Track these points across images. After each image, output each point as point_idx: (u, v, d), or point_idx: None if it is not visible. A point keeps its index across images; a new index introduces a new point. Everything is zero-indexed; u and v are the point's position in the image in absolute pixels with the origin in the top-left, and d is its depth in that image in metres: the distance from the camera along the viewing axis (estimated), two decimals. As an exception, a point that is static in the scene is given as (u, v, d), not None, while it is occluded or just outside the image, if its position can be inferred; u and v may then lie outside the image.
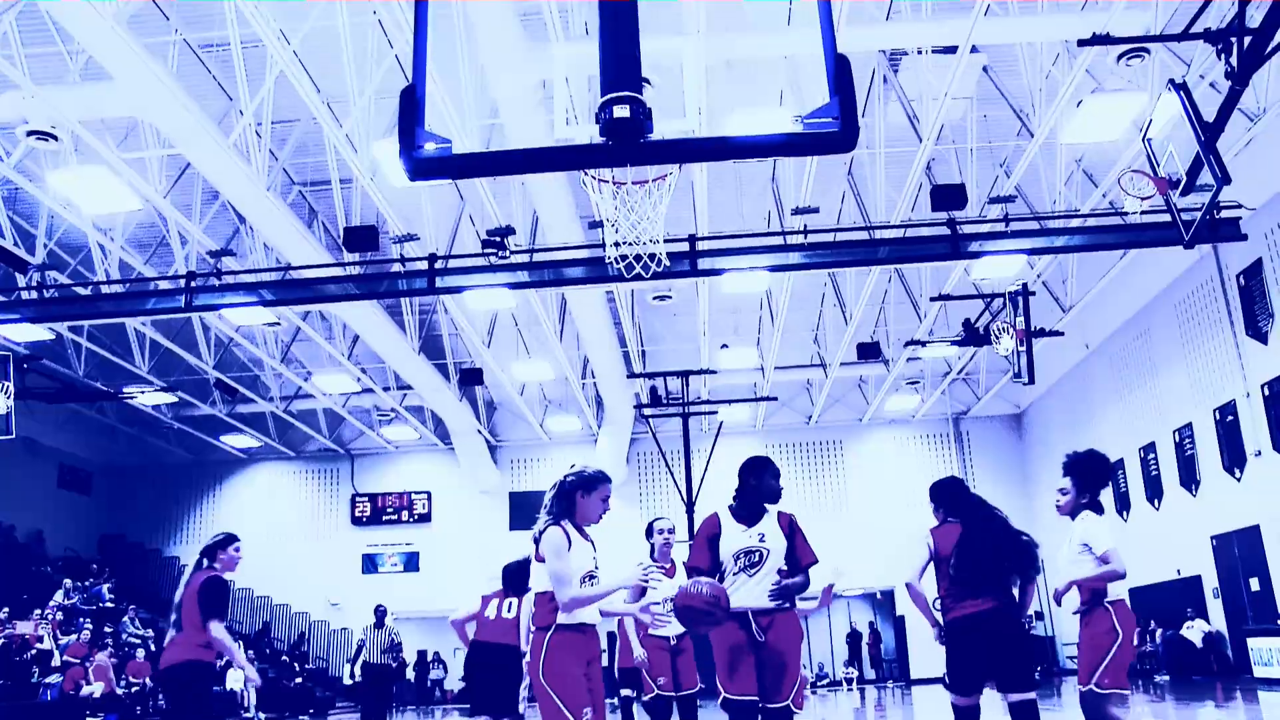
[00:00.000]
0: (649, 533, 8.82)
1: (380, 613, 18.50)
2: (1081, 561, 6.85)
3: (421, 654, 35.82)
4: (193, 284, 20.43)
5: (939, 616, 7.17)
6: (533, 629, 5.79)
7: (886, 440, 36.87)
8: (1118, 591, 6.81)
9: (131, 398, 28.15)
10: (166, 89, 14.97)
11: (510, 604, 9.14)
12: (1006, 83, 19.38)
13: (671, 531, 8.72)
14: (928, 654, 33.20)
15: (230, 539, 8.44)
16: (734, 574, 6.36)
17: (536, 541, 5.80)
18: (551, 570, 5.63)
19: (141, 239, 23.35)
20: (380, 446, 37.32)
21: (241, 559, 8.45)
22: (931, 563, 7.13)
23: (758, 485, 6.59)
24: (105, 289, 21.77)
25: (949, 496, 7.44)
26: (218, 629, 7.96)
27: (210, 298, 20.68)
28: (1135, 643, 6.86)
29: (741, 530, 6.47)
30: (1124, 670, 6.70)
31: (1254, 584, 23.09)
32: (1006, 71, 19.20)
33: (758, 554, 6.38)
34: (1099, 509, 7.06)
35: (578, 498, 5.88)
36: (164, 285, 21.31)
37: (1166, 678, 24.93)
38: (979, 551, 6.87)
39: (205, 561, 8.23)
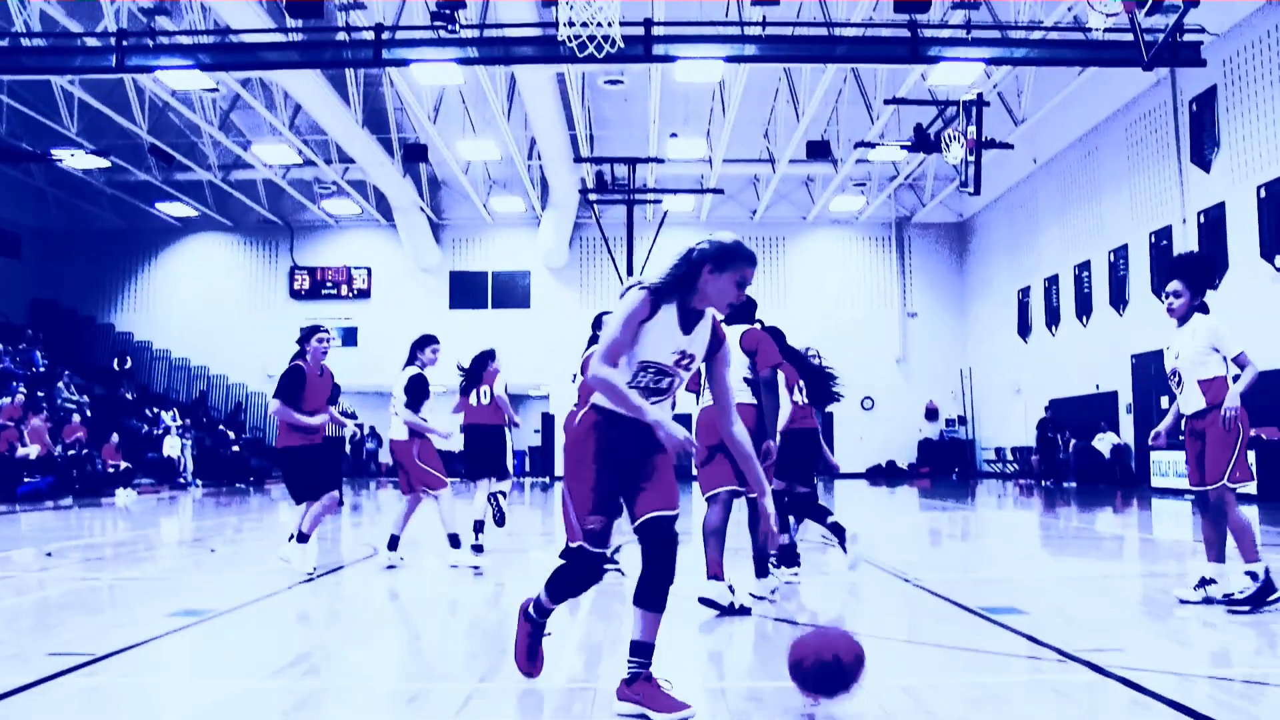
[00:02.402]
0: (598, 324, 8.85)
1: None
2: (1209, 363, 6.77)
3: (360, 427, 36.10)
4: (124, 43, 19.51)
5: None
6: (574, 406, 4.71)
7: (829, 240, 36.87)
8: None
9: (60, 161, 27.23)
10: None
11: (484, 391, 10.34)
12: (982, -120, 18.68)
13: None
14: (851, 449, 34.04)
15: (313, 330, 8.79)
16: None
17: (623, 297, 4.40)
18: (605, 331, 4.24)
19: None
20: (321, 220, 36.71)
21: (328, 349, 8.80)
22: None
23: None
24: (26, 42, 20.74)
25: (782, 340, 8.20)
26: (274, 404, 8.62)
27: (143, 59, 19.81)
28: None
29: None
30: (1247, 463, 6.79)
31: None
32: None
33: None
34: (1206, 310, 6.94)
35: (704, 273, 4.26)
36: (92, 43, 20.32)
37: (1074, 485, 25.84)
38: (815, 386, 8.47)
39: (297, 352, 8.79)
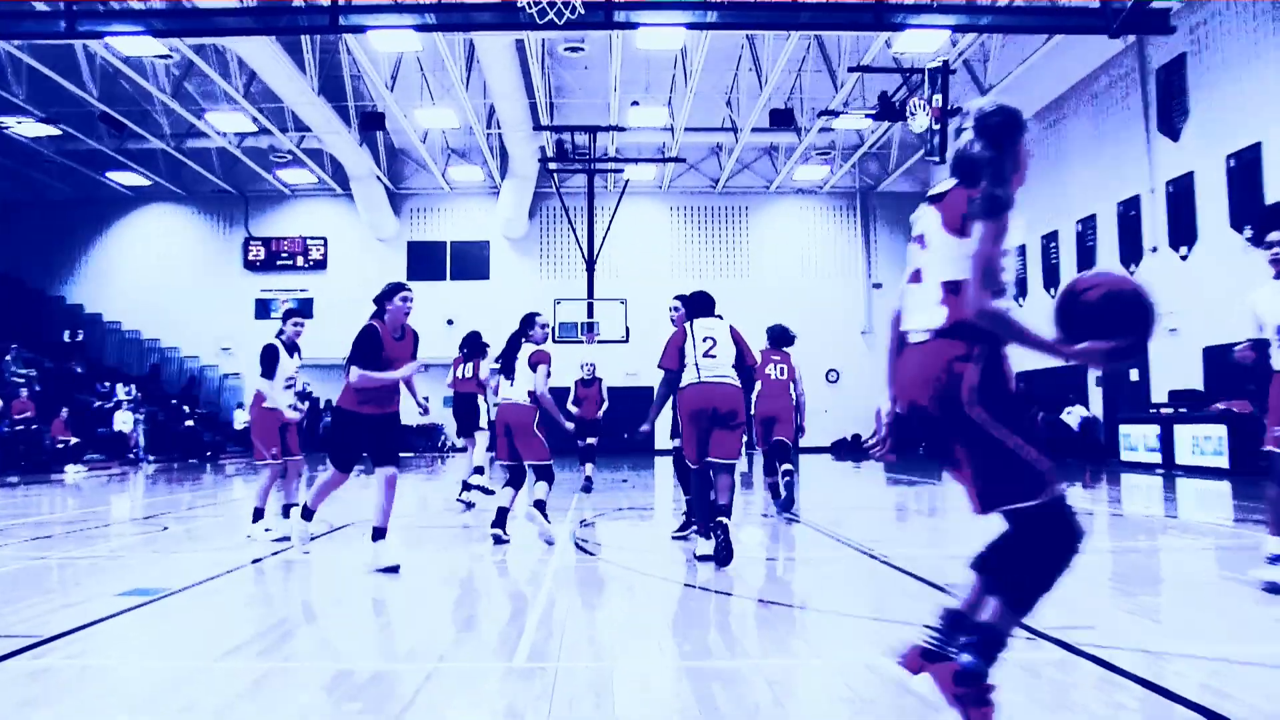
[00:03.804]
0: (529, 324, 9.79)
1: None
2: None
3: (313, 401, 35.85)
4: (74, 7, 19.20)
5: None
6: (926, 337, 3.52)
7: (792, 209, 36.85)
8: None
9: (7, 128, 26.76)
10: None
11: (468, 367, 13.27)
12: None
13: (546, 325, 9.99)
14: (816, 423, 34.08)
15: (395, 289, 8.09)
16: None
17: (989, 206, 3.51)
18: (983, 250, 3.39)
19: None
20: (276, 189, 36.34)
21: (410, 308, 8.11)
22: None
23: None
24: (-30, 6, 20.38)
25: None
26: (353, 373, 7.89)
27: (94, 24, 19.51)
28: None
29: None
30: None
31: (1133, 375, 23.95)
32: None
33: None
34: None
35: (1023, 145, 3.83)
36: (41, 7, 19.97)
37: (1043, 458, 25.87)
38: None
39: (374, 313, 8.16)
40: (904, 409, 3.55)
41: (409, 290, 8.17)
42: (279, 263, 36.54)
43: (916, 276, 3.61)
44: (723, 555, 7.76)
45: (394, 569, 7.66)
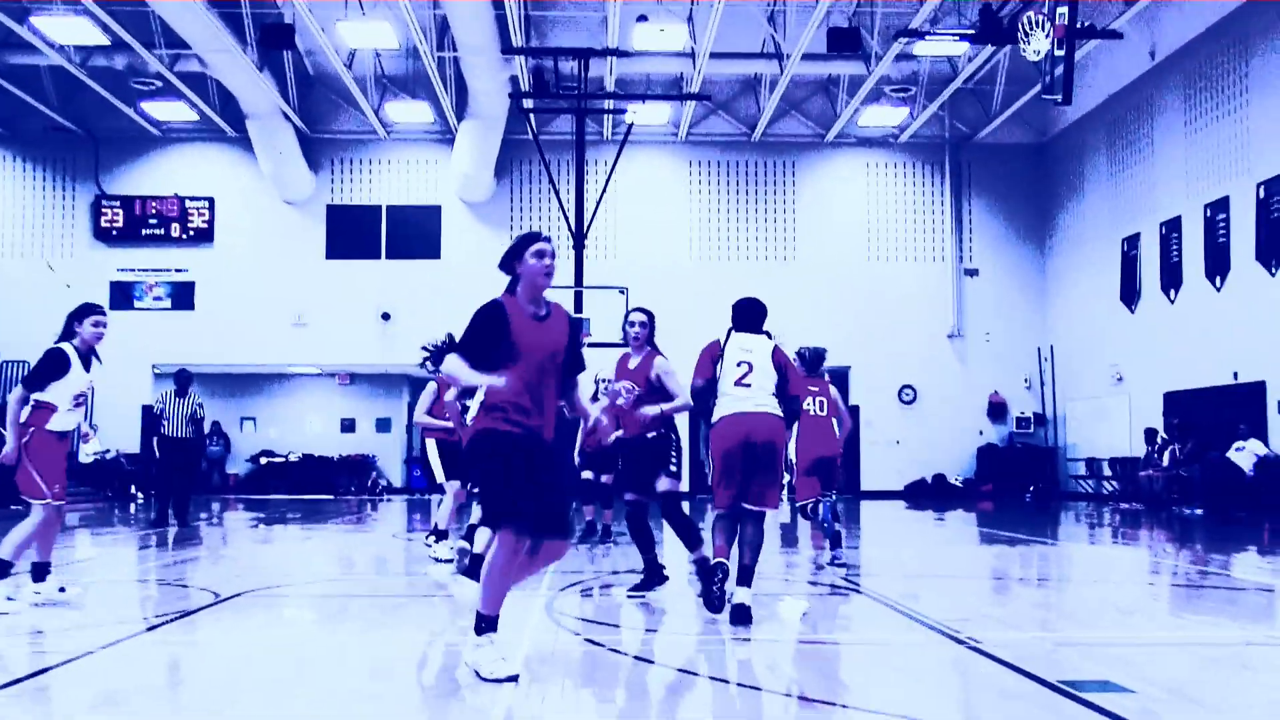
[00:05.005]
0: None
1: (183, 378, 21.32)
2: None
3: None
4: None
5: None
6: None
7: (856, 165, 36.77)
8: None
9: None
10: None
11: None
12: None
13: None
14: (884, 459, 34.07)
15: (529, 240, 7.42)
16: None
17: None
18: None
19: None
20: (140, 130, 36.18)
21: (552, 268, 7.36)
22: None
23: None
24: None
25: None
26: (451, 362, 7.50)
27: None
28: None
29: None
30: None
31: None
32: None
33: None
34: None
35: None
36: None
37: (1200, 512, 25.40)
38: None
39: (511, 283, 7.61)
40: None
41: (546, 243, 7.43)
42: (145, 232, 36.39)
43: None
44: (715, 603, 8.94)
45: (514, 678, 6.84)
